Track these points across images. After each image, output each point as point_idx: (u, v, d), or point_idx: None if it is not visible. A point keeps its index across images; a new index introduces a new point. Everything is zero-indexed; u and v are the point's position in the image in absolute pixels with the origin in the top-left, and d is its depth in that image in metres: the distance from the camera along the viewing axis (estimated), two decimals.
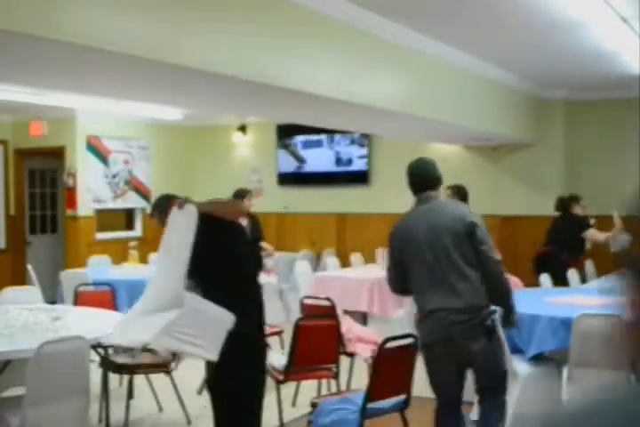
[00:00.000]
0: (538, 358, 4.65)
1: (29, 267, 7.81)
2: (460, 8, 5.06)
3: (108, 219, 9.74)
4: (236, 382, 3.83)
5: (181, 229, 3.66)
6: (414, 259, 3.75)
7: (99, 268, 7.61)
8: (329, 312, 5.20)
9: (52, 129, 9.38)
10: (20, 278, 8.87)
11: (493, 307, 3.77)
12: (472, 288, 3.65)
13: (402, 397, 3.83)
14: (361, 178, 9.79)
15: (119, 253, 8.69)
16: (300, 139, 10.10)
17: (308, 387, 5.14)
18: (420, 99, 6.28)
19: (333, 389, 4.99)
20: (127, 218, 10.20)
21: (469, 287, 3.65)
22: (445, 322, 3.65)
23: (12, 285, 6.73)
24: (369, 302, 7.22)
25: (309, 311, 5.40)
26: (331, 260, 8.77)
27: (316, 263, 9.54)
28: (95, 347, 4.41)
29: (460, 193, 6.80)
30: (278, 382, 4.59)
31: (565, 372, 4.40)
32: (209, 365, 4.06)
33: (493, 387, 3.82)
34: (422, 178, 3.84)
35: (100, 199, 9.44)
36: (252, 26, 4.30)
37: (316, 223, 10.10)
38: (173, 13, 3.80)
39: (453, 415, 3.83)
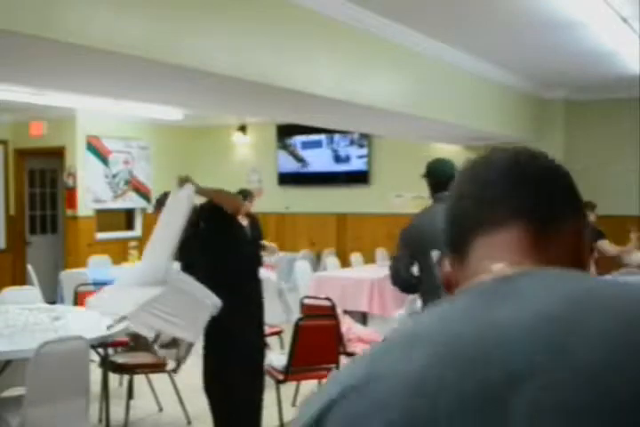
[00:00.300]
0: None
1: (29, 267, 7.82)
2: (460, 8, 5.06)
3: (107, 219, 9.74)
4: (232, 384, 3.83)
5: (176, 210, 3.70)
6: (425, 257, 3.75)
7: (99, 268, 7.62)
8: (329, 312, 5.21)
9: (51, 129, 9.39)
10: (20, 278, 8.88)
11: None
12: None
13: None
14: (361, 178, 9.79)
15: (119, 253, 8.70)
16: (299, 139, 10.10)
17: (308, 387, 5.15)
18: (420, 99, 6.28)
19: None
20: (127, 218, 10.21)
21: None
22: None
23: (12, 285, 6.75)
24: (369, 301, 7.21)
25: (309, 311, 5.40)
26: (330, 260, 8.78)
27: (316, 263, 9.54)
28: (95, 347, 4.41)
29: None
30: (278, 382, 4.60)
31: None
32: (206, 367, 4.06)
33: None
34: (441, 178, 3.86)
35: (99, 199, 9.44)
36: (252, 26, 4.30)
37: (316, 223, 10.10)
38: (173, 13, 3.80)
39: None
